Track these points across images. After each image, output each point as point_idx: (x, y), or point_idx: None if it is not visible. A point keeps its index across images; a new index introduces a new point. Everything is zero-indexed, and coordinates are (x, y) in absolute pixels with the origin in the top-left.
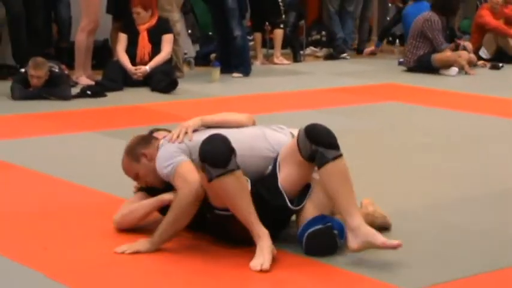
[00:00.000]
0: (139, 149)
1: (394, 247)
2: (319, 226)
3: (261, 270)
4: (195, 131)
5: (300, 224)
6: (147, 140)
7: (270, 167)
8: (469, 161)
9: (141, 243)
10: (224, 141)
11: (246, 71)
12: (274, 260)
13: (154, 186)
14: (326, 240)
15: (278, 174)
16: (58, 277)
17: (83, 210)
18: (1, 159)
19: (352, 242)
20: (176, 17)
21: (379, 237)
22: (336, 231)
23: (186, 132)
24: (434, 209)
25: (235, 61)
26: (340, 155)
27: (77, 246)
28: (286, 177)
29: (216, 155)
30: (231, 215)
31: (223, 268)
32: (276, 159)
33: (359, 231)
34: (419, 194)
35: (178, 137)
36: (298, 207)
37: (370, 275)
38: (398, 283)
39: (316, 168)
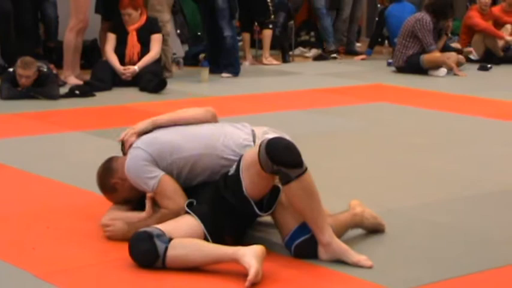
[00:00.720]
0: (108, 180)
1: (366, 267)
2: (305, 237)
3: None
4: (146, 132)
5: (283, 232)
6: (108, 167)
7: (234, 167)
8: (457, 161)
9: (119, 224)
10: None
11: (235, 71)
12: None
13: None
14: (315, 248)
15: (242, 179)
16: (47, 277)
17: (72, 210)
18: None
19: (323, 255)
20: (167, 18)
21: (351, 256)
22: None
23: (133, 133)
24: (422, 209)
25: (224, 61)
26: (304, 172)
27: (66, 246)
28: (251, 184)
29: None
30: None
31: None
32: (239, 161)
33: (330, 248)
34: (408, 194)
35: (124, 137)
36: (267, 213)
37: (357, 275)
38: (386, 283)
39: None
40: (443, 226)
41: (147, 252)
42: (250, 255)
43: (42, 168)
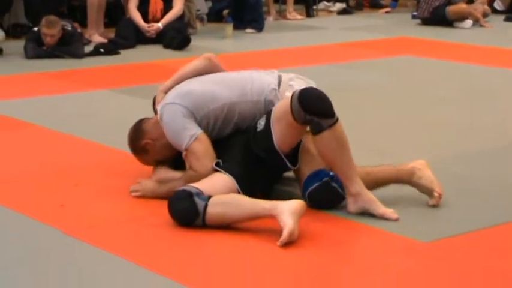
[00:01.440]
0: (139, 142)
1: (392, 219)
2: (316, 184)
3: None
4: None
5: (300, 184)
6: (138, 129)
7: (263, 122)
8: (482, 114)
9: (148, 183)
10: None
11: (259, 26)
12: None
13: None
14: (327, 195)
15: (273, 132)
16: (76, 233)
17: (99, 168)
18: (16, 118)
19: (351, 206)
20: None
21: (378, 208)
22: (334, 185)
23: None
24: (446, 161)
25: (248, 17)
26: (335, 122)
27: (94, 203)
28: (282, 136)
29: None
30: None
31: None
32: (268, 115)
33: (359, 198)
34: (431, 146)
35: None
36: (296, 167)
37: (382, 227)
38: (409, 235)
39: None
40: (466, 178)
41: (187, 210)
42: (287, 214)
43: (69, 126)
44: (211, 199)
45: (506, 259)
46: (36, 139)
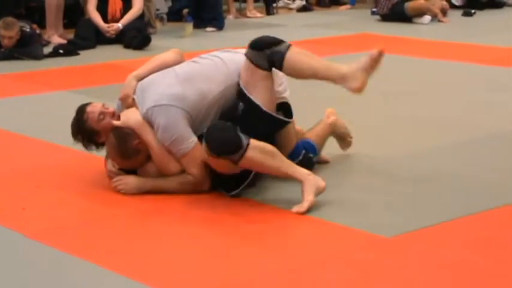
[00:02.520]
0: (131, 144)
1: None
2: (299, 159)
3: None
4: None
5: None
6: (122, 133)
7: (241, 103)
8: (443, 108)
9: (131, 178)
10: (228, 128)
11: (219, 25)
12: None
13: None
14: (309, 166)
15: (254, 101)
16: (38, 236)
17: (59, 169)
18: None
19: (352, 83)
20: None
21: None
22: (311, 154)
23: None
24: (407, 156)
25: (208, 15)
26: (289, 45)
27: (55, 205)
28: (263, 100)
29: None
30: None
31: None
32: (242, 93)
33: (348, 77)
34: (393, 142)
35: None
36: (292, 118)
37: (343, 223)
38: (372, 230)
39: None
40: (428, 173)
41: (231, 141)
42: (313, 188)
43: (28, 128)
44: (252, 141)
45: (469, 252)
46: None
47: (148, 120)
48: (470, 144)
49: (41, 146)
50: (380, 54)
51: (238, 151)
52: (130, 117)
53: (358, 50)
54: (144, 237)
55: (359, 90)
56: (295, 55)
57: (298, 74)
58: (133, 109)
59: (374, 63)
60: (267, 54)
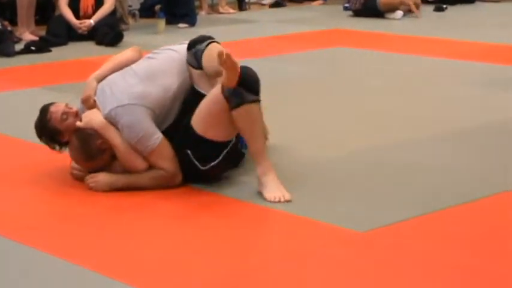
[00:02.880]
0: (94, 144)
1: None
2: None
3: (285, 201)
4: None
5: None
6: (84, 134)
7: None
8: (415, 103)
9: (103, 176)
10: (255, 72)
11: (191, 21)
12: None
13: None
14: (236, 156)
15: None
16: (10, 234)
17: (31, 167)
18: None
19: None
20: None
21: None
22: (244, 151)
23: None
24: (382, 151)
25: (180, 11)
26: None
27: (27, 204)
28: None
29: (253, 82)
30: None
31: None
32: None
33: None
34: (367, 137)
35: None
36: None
37: (316, 218)
38: (345, 225)
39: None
40: (403, 167)
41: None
42: (278, 180)
43: (0, 125)
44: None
45: (442, 246)
46: None
47: (112, 121)
48: (443, 138)
49: (13, 143)
50: (223, 62)
51: (255, 93)
52: (93, 118)
53: (329, 46)
54: (117, 234)
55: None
56: (209, 51)
57: (210, 70)
58: (94, 110)
59: (225, 69)
60: (193, 52)
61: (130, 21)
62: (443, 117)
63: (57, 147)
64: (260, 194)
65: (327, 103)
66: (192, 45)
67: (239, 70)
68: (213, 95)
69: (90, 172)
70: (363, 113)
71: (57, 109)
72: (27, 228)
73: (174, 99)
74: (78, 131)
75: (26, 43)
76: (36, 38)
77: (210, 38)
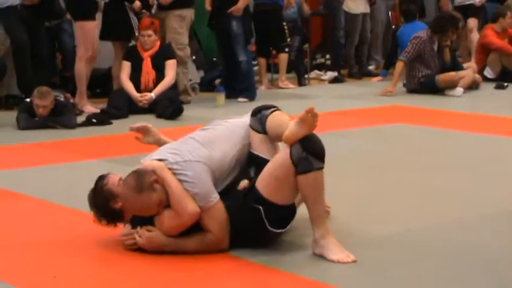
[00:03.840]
0: (148, 178)
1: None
2: None
3: (352, 261)
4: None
5: None
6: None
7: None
8: (475, 181)
9: (156, 234)
10: (320, 140)
11: (251, 95)
12: None
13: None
14: None
15: (263, 157)
16: None
17: (90, 238)
18: (8, 189)
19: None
20: (187, 40)
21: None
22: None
23: None
24: (441, 228)
25: (240, 86)
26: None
27: (87, 274)
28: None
29: (321, 150)
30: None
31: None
32: (250, 158)
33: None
34: (427, 214)
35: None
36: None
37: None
38: None
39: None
40: (463, 246)
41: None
42: (338, 243)
43: (60, 197)
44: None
45: None
46: (28, 210)
47: (175, 172)
48: (502, 217)
49: (73, 214)
50: (307, 113)
51: (322, 160)
52: (151, 162)
53: (388, 122)
54: None
55: (285, 137)
56: (273, 117)
57: (272, 134)
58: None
59: (302, 121)
60: (258, 118)
61: (192, 94)
62: (504, 196)
63: (105, 221)
64: (321, 256)
65: (386, 179)
66: (257, 112)
67: (311, 132)
68: (280, 159)
69: (138, 221)
70: (422, 190)
71: (115, 176)
72: None
73: (232, 165)
74: (136, 169)
75: (87, 116)
76: (98, 111)
77: (274, 106)
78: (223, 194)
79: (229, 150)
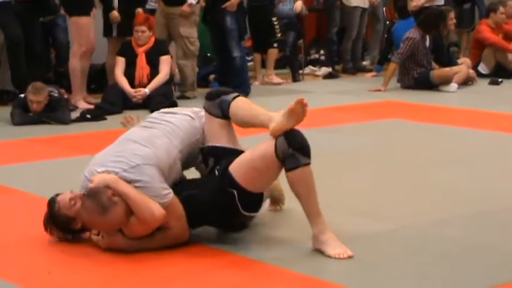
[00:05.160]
0: (104, 196)
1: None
2: None
3: (348, 257)
4: None
5: None
6: (94, 191)
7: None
8: (470, 176)
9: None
10: (305, 137)
11: (245, 90)
12: None
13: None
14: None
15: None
16: None
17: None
18: (1, 184)
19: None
20: (196, 35)
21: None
22: None
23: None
24: (436, 225)
25: (234, 81)
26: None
27: (81, 270)
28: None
29: (307, 145)
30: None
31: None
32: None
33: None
34: (422, 210)
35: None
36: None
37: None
38: None
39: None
40: (458, 242)
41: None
42: (335, 237)
43: (55, 192)
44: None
45: None
46: (22, 205)
47: (128, 181)
48: (499, 214)
49: None
50: (296, 104)
51: (308, 157)
52: (100, 175)
53: (383, 118)
54: None
55: (273, 130)
56: (238, 103)
57: (239, 120)
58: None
59: (291, 112)
60: (217, 102)
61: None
62: (499, 192)
63: (70, 237)
64: (319, 251)
65: (381, 175)
66: (215, 96)
67: (298, 124)
68: (263, 150)
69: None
70: (417, 185)
71: (64, 197)
72: None
73: (180, 158)
74: (86, 192)
75: (81, 111)
76: (92, 106)
77: (232, 91)
78: (184, 186)
79: (173, 146)
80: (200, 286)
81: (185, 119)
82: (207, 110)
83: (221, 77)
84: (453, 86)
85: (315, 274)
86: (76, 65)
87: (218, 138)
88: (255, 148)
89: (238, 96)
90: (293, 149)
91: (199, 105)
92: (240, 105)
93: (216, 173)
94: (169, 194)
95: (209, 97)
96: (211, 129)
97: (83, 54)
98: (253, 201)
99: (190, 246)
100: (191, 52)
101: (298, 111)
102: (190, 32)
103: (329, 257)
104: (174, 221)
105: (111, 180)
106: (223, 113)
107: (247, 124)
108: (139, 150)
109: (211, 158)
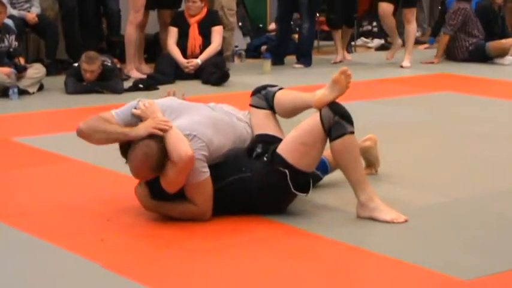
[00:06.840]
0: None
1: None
2: None
3: (403, 221)
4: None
5: None
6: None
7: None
8: None
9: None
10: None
11: (307, 62)
12: None
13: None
14: (314, 181)
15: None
16: (115, 268)
17: (133, 200)
18: (57, 152)
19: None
20: (235, 7)
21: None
22: (318, 172)
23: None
24: (488, 198)
25: (298, 52)
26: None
27: (133, 236)
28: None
29: (349, 114)
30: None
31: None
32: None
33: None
34: (474, 184)
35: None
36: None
37: (418, 263)
38: (449, 272)
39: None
40: (508, 216)
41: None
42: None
43: (107, 161)
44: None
45: None
46: (77, 173)
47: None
48: None
49: (120, 178)
50: (340, 74)
51: (353, 125)
52: (155, 110)
53: (435, 90)
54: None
55: (317, 102)
56: (283, 92)
57: (284, 107)
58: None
59: (335, 82)
60: (262, 94)
61: (237, 61)
62: None
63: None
64: (370, 219)
65: (433, 148)
66: (261, 89)
67: (342, 94)
68: (308, 125)
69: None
70: (470, 159)
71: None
72: (131, 261)
73: (218, 158)
74: (161, 141)
75: (134, 81)
76: (144, 76)
77: (277, 85)
78: (229, 170)
79: (226, 144)
80: (253, 256)
81: (245, 127)
82: (253, 105)
83: (277, 47)
84: (508, 58)
85: (362, 244)
86: (132, 34)
87: (265, 127)
88: (299, 126)
89: (282, 88)
90: (339, 117)
91: (242, 77)
92: (284, 92)
93: (265, 159)
94: (206, 173)
95: (256, 91)
96: (257, 120)
97: (139, 24)
98: (305, 180)
99: (240, 216)
100: (230, 24)
101: (342, 81)
102: (230, 3)
103: (384, 221)
104: (201, 200)
105: (158, 118)
106: (268, 103)
107: (291, 110)
108: (204, 126)
109: (259, 144)
